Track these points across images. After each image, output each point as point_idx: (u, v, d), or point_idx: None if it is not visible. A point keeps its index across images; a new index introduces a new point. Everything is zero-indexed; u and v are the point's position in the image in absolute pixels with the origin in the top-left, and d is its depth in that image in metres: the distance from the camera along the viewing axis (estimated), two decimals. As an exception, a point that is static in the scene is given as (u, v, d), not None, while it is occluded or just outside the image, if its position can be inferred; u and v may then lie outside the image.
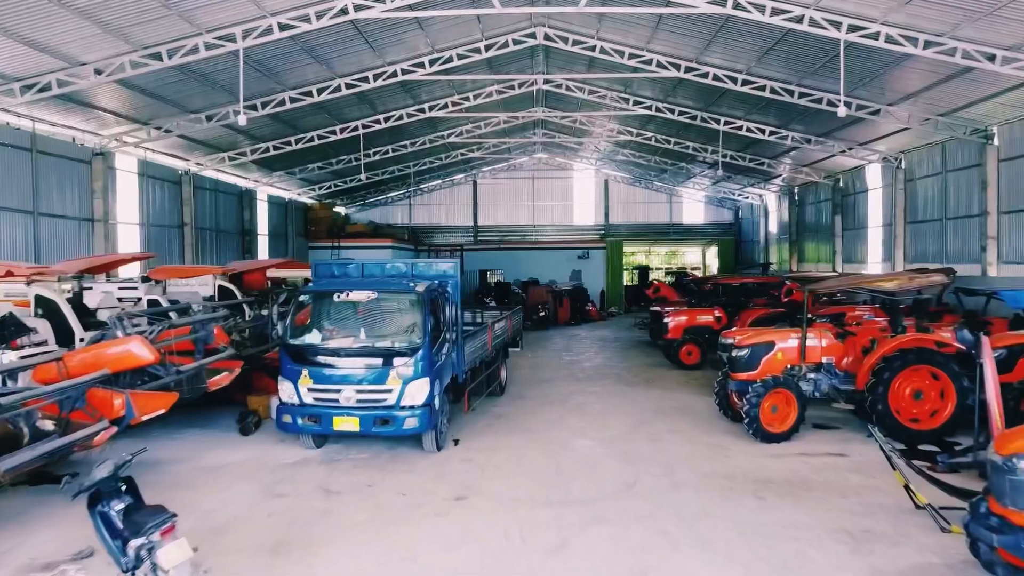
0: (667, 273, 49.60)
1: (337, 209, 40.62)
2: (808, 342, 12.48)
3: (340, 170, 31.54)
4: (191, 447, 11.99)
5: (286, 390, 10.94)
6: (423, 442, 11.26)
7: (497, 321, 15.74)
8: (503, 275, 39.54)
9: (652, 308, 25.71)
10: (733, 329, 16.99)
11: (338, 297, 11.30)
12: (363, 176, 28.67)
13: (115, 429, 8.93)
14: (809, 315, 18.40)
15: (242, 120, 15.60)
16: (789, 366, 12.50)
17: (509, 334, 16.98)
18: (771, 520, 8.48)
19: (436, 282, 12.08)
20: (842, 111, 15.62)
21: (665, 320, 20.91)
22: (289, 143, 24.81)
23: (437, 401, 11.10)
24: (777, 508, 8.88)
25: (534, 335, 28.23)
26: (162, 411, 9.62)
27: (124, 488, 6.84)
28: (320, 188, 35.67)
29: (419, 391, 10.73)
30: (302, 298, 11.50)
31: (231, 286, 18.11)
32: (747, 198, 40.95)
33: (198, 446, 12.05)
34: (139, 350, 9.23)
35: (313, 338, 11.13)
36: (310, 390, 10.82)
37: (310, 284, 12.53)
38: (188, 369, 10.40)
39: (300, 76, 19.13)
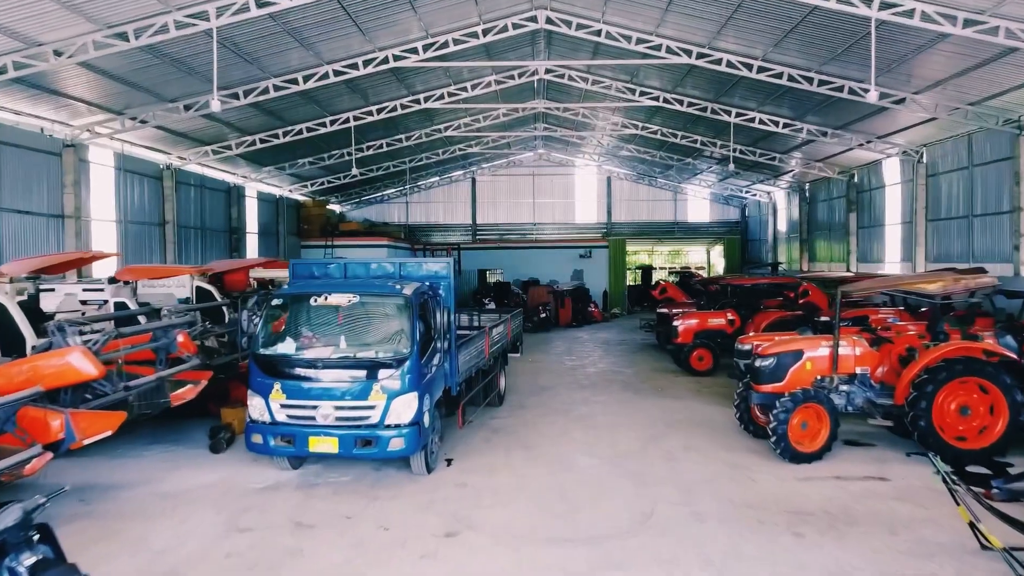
0: (670, 273, 48.37)
1: (331, 207, 39.35)
2: (840, 351, 11.22)
3: (332, 166, 30.27)
4: (154, 467, 10.79)
5: (256, 406, 9.70)
6: (411, 464, 10.05)
7: (495, 326, 14.50)
8: (503, 275, 38.32)
9: (659, 310, 24.52)
10: (751, 335, 15.82)
11: (315, 301, 10.04)
12: (355, 171, 27.39)
13: (50, 455, 7.66)
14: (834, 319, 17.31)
15: (215, 106, 14.32)
16: (819, 377, 11.27)
17: (509, 339, 15.74)
18: (814, 563, 7.25)
19: (426, 284, 10.84)
20: (873, 95, 14.35)
21: (674, 323, 19.67)
22: (276, 136, 23.54)
23: (427, 418, 9.86)
24: (819, 547, 7.64)
25: (535, 337, 27.00)
26: (108, 433, 8.36)
27: (37, 537, 5.58)
28: (313, 185, 34.41)
29: (406, 407, 9.49)
30: (275, 302, 10.24)
31: (210, 287, 16.82)
32: (754, 195, 39.69)
33: (162, 466, 10.84)
34: (80, 363, 7.96)
35: (286, 347, 9.88)
36: (283, 406, 9.58)
37: (284, 286, 11.28)
38: (140, 384, 9.13)
39: (284, 62, 17.86)
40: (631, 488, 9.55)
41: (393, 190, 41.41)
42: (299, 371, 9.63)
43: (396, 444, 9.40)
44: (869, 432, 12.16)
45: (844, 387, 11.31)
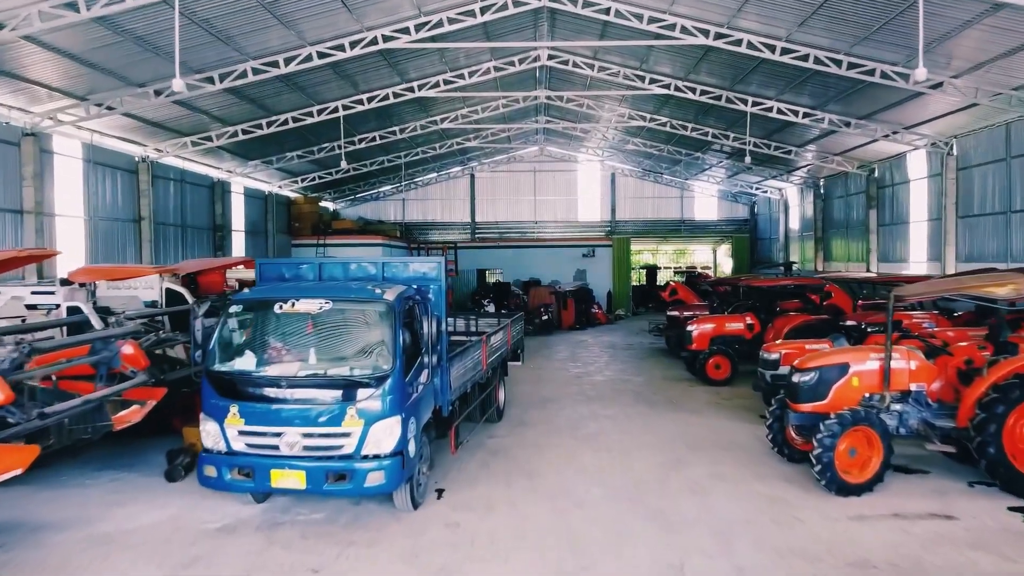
0: (676, 273, 46.94)
1: (324, 204, 37.81)
2: (892, 364, 9.68)
3: (323, 159, 28.70)
4: (96, 501, 9.27)
5: (210, 433, 8.18)
6: (395, 498, 8.54)
7: (494, 332, 12.97)
8: (502, 275, 36.81)
9: (669, 312, 23.02)
10: (778, 343, 14.32)
11: (280, 308, 8.51)
12: (344, 164, 25.81)
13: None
14: (868, 325, 15.81)
15: (178, 86, 12.76)
16: (867, 395, 9.74)
17: (508, 347, 14.23)
18: (895, 644, 5.72)
19: (413, 287, 9.32)
20: (921, 73, 12.74)
21: (689, 328, 18.12)
22: (260, 126, 21.99)
23: (412, 446, 8.34)
24: (895, 618, 6.12)
25: (536, 341, 25.49)
26: (18, 471, 6.85)
27: None
28: (304, 181, 32.86)
29: (387, 435, 7.98)
30: (232, 309, 8.70)
31: (181, 289, 15.29)
32: (765, 192, 38.15)
33: (106, 499, 9.32)
34: (-20, 387, 6.46)
35: (245, 363, 8.36)
36: (241, 433, 8.06)
37: (245, 291, 9.73)
38: (61, 410, 7.58)
39: (262, 42, 16.32)
40: (654, 532, 8.02)
41: (389, 187, 39.87)
42: (260, 391, 8.11)
43: (375, 479, 7.89)
44: (920, 455, 10.66)
45: (896, 406, 9.79)
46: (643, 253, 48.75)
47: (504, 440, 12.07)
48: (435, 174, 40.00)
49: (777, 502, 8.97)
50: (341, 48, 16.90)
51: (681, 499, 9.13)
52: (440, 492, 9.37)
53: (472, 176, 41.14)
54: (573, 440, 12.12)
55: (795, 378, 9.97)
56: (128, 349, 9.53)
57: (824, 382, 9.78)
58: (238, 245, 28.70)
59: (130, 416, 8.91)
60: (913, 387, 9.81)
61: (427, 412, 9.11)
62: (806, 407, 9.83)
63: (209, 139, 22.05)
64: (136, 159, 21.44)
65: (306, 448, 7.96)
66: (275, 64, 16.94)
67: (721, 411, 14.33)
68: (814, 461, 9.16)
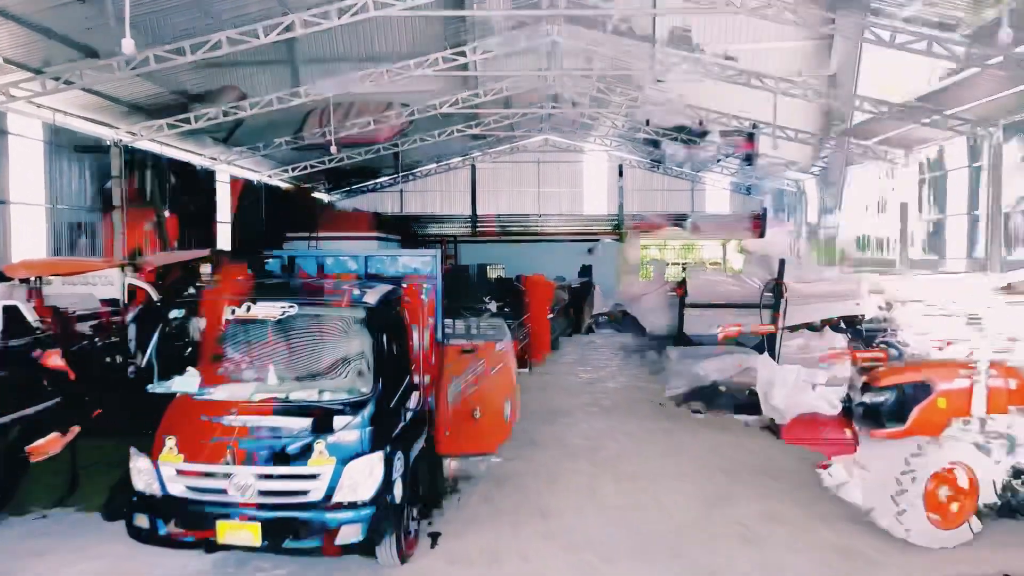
0: (683, 269, 45.17)
1: (318, 195, 36.00)
2: (988, 381, 7.93)
3: (314, 146, 26.80)
4: (11, 547, 7.60)
5: (141, 471, 6.44)
6: (377, 551, 6.79)
7: (500, 340, 11.17)
8: (504, 271, 35.00)
9: (687, 311, 21.21)
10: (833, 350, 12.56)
11: (232, 313, 6.74)
12: (334, 149, 23.99)
13: None
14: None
15: (127, 47, 10.91)
16: (955, 420, 7.98)
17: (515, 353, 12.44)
18: None
19: (401, 287, 7.54)
20: (1006, 35, 10.97)
21: (713, 330, 16.34)
22: (243, 107, 20.12)
23: (398, 488, 6.61)
24: None
25: (541, 342, 23.67)
26: None
27: None
28: (295, 170, 30.99)
29: (365, 476, 6.26)
30: (172, 314, 6.94)
31: (145, 285, 13.56)
32: (781, 184, 36.28)
33: (24, 546, 7.62)
34: None
35: (186, 383, 6.60)
36: (180, 473, 6.32)
37: (190, 291, 7.94)
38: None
39: (239, 8, 14.55)
40: (708, 602, 6.29)
41: (386, 178, 37.99)
42: (204, 419, 6.37)
43: (349, 534, 6.19)
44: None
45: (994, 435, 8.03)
46: (649, 248, 46.98)
47: (510, 465, 10.33)
48: (435, 164, 38.16)
49: (853, 556, 7.24)
50: (327, 16, 15.04)
51: (732, 550, 7.40)
52: (435, 538, 7.66)
53: (473, 167, 39.30)
54: (591, 466, 10.40)
55: (868, 398, 8.22)
56: (55, 361, 7.83)
57: (905, 402, 8.04)
58: (223, 238, 26.91)
59: (47, 447, 7.20)
60: (1012, 411, 8.07)
61: (418, 443, 7.36)
62: (882, 433, 8.09)
63: (187, 121, 20.19)
64: (107, 143, 19.61)
65: (262, 493, 6.23)
66: (254, 34, 15.09)
67: (753, 426, 12.58)
68: (896, 503, 7.44)
